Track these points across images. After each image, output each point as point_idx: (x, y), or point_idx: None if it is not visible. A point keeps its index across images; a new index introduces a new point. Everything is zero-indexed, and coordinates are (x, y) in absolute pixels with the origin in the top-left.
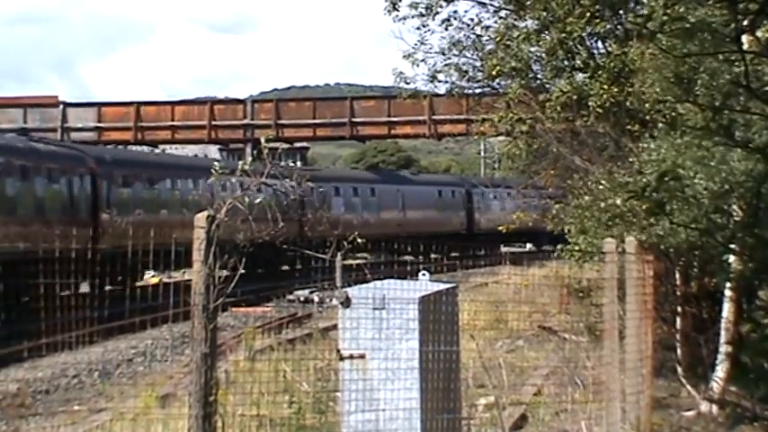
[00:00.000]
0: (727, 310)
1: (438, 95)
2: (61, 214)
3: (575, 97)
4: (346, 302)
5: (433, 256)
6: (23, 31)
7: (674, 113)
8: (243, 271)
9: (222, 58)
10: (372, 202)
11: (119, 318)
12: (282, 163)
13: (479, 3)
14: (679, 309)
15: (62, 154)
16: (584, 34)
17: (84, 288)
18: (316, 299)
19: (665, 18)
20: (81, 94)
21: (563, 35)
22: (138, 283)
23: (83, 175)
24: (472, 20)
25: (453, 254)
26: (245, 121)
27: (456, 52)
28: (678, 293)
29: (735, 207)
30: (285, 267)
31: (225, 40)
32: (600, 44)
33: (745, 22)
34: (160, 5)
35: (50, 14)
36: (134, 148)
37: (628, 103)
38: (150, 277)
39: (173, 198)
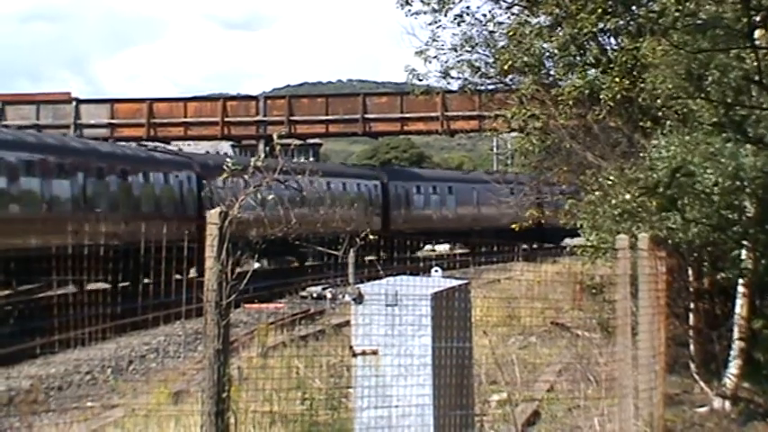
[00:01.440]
0: (739, 306)
1: (450, 92)
2: (173, 211)
3: (587, 92)
4: (359, 299)
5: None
6: (37, 28)
7: (685, 109)
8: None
9: (235, 55)
10: (450, 200)
11: (132, 314)
12: (295, 159)
13: None
14: (692, 305)
15: (174, 161)
16: (595, 30)
17: (193, 273)
18: (328, 295)
19: (678, 14)
20: (94, 91)
21: (575, 31)
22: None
23: (190, 178)
24: (485, 16)
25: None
26: (258, 118)
27: (468, 48)
28: (691, 289)
29: (747, 203)
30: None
31: (238, 37)
32: (612, 40)
33: (758, 18)
34: (173, 2)
35: (64, 12)
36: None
37: (640, 100)
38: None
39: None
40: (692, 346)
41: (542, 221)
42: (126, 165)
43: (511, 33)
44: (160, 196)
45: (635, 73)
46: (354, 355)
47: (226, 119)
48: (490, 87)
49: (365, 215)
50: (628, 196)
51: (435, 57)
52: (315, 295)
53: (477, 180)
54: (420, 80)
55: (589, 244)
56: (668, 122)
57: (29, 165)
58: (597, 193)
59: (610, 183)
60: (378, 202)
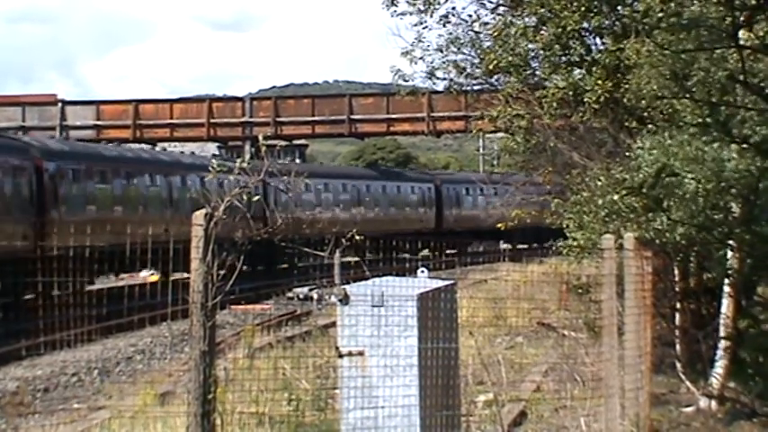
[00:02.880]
0: (725, 306)
1: (436, 92)
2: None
3: (571, 93)
4: (345, 300)
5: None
6: (25, 29)
7: (670, 110)
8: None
9: (223, 56)
10: (496, 200)
11: (118, 315)
12: (281, 160)
13: None
14: (678, 305)
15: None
16: (579, 29)
17: None
18: (315, 296)
19: (662, 14)
20: (83, 92)
21: (559, 30)
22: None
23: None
24: (470, 16)
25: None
26: (244, 119)
27: (454, 49)
28: (677, 289)
29: (732, 204)
30: (426, 253)
31: (226, 38)
32: (597, 40)
33: (742, 18)
34: (162, 3)
35: (52, 13)
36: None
37: (625, 100)
38: (149, 275)
39: (333, 202)
40: (678, 346)
41: None
42: (206, 173)
43: (496, 34)
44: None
45: (619, 74)
46: (341, 355)
47: (212, 120)
48: (476, 88)
49: (420, 215)
50: (616, 197)
51: (421, 57)
52: (301, 296)
53: (519, 183)
54: (406, 81)
55: (575, 244)
56: (653, 124)
57: (129, 174)
58: (585, 194)
59: (599, 183)
60: (432, 203)
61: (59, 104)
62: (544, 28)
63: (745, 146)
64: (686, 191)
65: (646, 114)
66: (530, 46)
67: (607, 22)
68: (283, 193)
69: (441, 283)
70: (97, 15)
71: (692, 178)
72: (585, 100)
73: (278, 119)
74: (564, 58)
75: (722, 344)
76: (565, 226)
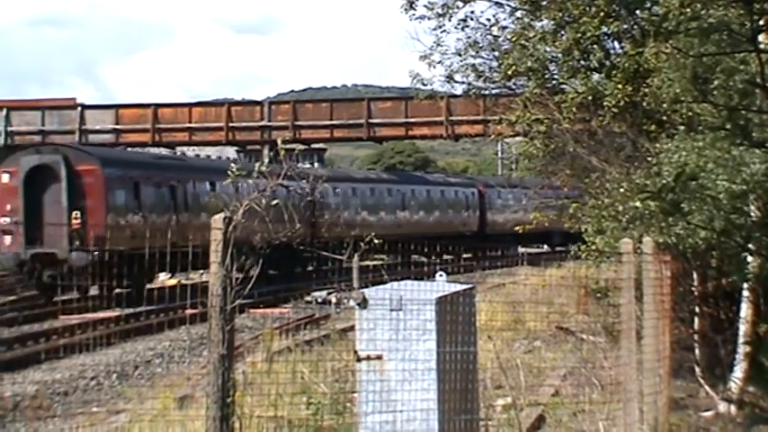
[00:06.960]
0: (744, 310)
1: (455, 96)
2: (465, 212)
3: (590, 97)
4: (363, 303)
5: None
6: (47, 33)
7: (690, 114)
8: None
9: (243, 60)
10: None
11: (136, 319)
12: (300, 164)
13: (496, 3)
14: (697, 309)
15: (463, 182)
16: (598, 34)
17: None
18: (333, 300)
19: (681, 17)
20: (104, 96)
21: (578, 35)
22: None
23: (474, 193)
24: (489, 20)
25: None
26: (263, 123)
27: (473, 53)
28: (696, 294)
29: (752, 207)
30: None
31: (247, 41)
32: (616, 44)
33: (762, 22)
34: (183, 6)
35: (73, 17)
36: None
37: (644, 104)
38: (168, 278)
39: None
40: (697, 351)
41: None
42: (432, 186)
43: (514, 38)
44: (454, 204)
45: (638, 78)
46: (359, 359)
47: (230, 124)
48: (494, 91)
49: None
50: (638, 203)
51: (440, 61)
52: (319, 300)
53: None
54: (424, 85)
55: (593, 248)
56: (673, 127)
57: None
58: (606, 200)
59: (622, 189)
60: None
61: (79, 108)
62: (563, 32)
63: (764, 149)
64: (709, 193)
65: (665, 118)
66: (548, 50)
67: (626, 27)
68: (495, 200)
69: (459, 287)
70: (118, 19)
71: (715, 182)
72: (605, 104)
73: (296, 123)
74: (583, 63)
75: (741, 348)
76: (584, 230)
